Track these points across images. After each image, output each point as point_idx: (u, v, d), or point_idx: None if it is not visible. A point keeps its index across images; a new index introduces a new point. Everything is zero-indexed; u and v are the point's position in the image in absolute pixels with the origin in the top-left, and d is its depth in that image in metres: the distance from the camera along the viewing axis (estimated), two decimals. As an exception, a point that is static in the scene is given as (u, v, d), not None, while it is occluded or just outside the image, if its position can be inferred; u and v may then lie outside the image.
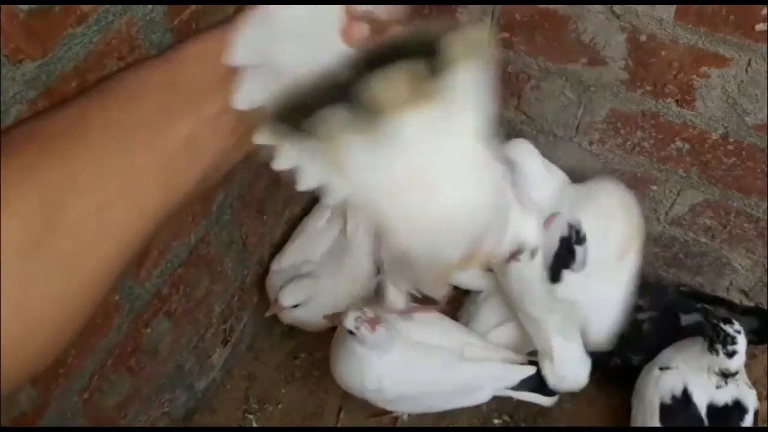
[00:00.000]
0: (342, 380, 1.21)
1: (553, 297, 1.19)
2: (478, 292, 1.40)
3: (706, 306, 1.32)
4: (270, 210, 1.32)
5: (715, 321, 1.14)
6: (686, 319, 1.31)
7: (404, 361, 1.16)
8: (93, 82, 0.44)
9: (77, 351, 0.94)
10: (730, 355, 1.13)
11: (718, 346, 1.13)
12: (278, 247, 1.39)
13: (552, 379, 1.24)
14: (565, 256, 1.17)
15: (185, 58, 0.46)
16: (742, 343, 1.13)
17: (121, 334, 1.03)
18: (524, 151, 1.23)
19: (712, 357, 1.14)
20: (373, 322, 1.11)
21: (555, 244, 1.18)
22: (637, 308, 1.31)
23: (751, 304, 1.38)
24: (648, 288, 1.38)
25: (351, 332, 1.11)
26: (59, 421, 0.96)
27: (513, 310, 1.28)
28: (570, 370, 1.24)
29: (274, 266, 1.35)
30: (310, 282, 1.30)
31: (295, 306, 1.28)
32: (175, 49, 0.46)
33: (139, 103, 0.44)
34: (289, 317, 1.31)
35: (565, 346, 1.22)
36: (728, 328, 1.13)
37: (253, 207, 1.24)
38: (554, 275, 1.18)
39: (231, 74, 0.46)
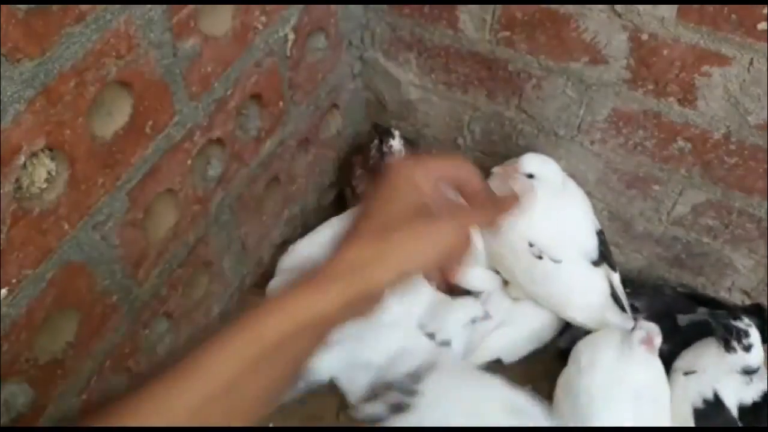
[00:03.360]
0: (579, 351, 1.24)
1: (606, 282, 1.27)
2: (480, 293, 1.40)
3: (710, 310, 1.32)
4: (269, 210, 1.31)
5: (725, 321, 1.17)
6: (683, 320, 1.32)
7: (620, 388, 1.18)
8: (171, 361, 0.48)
9: (75, 352, 0.94)
10: (747, 348, 1.15)
11: (734, 343, 1.15)
12: (278, 248, 1.39)
13: None
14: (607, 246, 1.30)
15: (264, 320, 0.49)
16: (755, 336, 1.15)
17: (120, 335, 1.02)
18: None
19: (732, 356, 1.16)
20: (648, 342, 1.14)
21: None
22: (633, 310, 1.31)
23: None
24: (644, 290, 1.38)
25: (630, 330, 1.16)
26: (57, 422, 0.96)
27: (559, 311, 1.33)
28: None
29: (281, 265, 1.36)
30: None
31: None
32: (255, 313, 0.49)
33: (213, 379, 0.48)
34: None
35: (615, 317, 1.27)
36: (739, 324, 1.16)
37: (251, 207, 1.24)
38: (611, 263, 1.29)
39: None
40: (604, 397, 1.16)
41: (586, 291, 1.27)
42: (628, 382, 1.16)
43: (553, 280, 1.26)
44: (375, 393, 1.17)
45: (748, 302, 1.39)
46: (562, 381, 1.25)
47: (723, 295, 1.40)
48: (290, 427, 1.37)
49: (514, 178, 1.24)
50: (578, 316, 1.30)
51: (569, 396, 1.21)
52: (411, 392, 1.14)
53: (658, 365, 1.20)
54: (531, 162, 1.23)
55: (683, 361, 1.25)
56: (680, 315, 1.32)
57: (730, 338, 1.16)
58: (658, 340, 1.15)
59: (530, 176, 1.22)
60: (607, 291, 1.27)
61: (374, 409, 1.16)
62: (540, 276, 1.27)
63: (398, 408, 1.15)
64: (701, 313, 1.32)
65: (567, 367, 1.24)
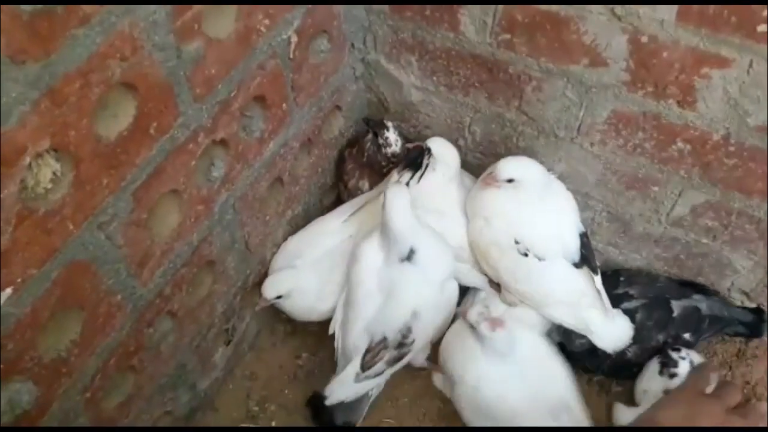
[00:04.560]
0: (446, 363, 1.26)
1: (587, 283, 1.28)
2: (478, 291, 1.40)
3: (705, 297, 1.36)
4: (272, 210, 1.32)
5: (666, 352, 1.31)
6: (677, 306, 1.33)
7: (513, 376, 1.19)
8: None
9: (80, 350, 0.95)
10: (672, 377, 1.28)
11: (664, 369, 1.29)
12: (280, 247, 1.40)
13: (607, 344, 1.31)
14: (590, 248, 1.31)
15: None
16: (684, 368, 1.28)
17: (124, 334, 1.03)
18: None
19: (661, 378, 1.29)
20: (495, 324, 1.14)
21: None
22: (627, 297, 1.33)
23: (753, 305, 1.39)
24: (638, 278, 1.39)
25: (471, 326, 1.16)
26: (61, 420, 0.97)
27: (540, 308, 1.33)
28: (612, 327, 1.30)
29: (274, 264, 1.37)
30: (292, 273, 1.31)
31: (279, 297, 1.30)
32: None
33: None
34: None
35: (594, 314, 1.29)
36: (674, 354, 1.29)
37: (254, 207, 1.25)
38: (593, 267, 1.30)
39: None
40: (499, 401, 1.19)
41: (568, 291, 1.28)
42: (510, 371, 1.19)
43: (536, 278, 1.27)
44: (374, 355, 1.25)
45: (747, 303, 1.39)
46: (459, 398, 1.25)
47: (722, 295, 1.40)
48: (290, 427, 1.38)
49: (495, 187, 1.25)
50: (558, 314, 1.30)
51: (473, 407, 1.23)
52: (405, 345, 1.24)
53: (520, 333, 1.21)
54: (508, 168, 1.24)
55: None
56: (674, 301, 1.34)
57: (666, 364, 1.29)
58: (497, 311, 1.17)
59: (510, 181, 1.24)
60: (589, 292, 1.28)
61: (377, 369, 1.25)
62: (523, 274, 1.28)
63: (396, 359, 1.26)
64: (696, 299, 1.34)
65: (456, 385, 1.24)
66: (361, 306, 1.26)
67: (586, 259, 1.28)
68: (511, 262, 1.28)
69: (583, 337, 1.30)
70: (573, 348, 1.34)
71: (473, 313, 1.16)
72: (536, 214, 1.26)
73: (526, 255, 1.26)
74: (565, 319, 1.30)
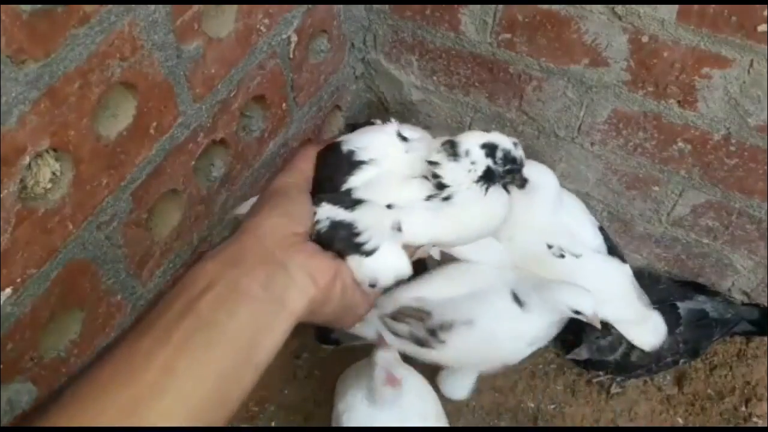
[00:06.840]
0: (339, 396, 1.17)
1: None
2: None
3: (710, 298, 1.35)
4: (272, 210, 1.32)
5: None
6: (684, 307, 1.32)
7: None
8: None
9: (79, 350, 0.95)
10: None
11: None
12: (280, 248, 1.39)
13: (651, 340, 1.28)
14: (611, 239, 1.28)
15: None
16: None
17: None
18: None
19: None
20: (391, 380, 1.07)
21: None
22: None
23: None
24: (641, 280, 1.38)
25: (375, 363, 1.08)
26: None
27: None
28: (659, 322, 1.28)
29: None
30: None
31: None
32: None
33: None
34: None
35: (638, 304, 1.27)
36: None
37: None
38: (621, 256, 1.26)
39: None
40: None
41: (610, 282, 1.24)
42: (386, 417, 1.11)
43: (577, 278, 1.23)
44: (405, 317, 1.15)
45: (747, 303, 1.39)
46: (333, 419, 1.18)
47: (723, 295, 1.40)
48: (290, 427, 1.38)
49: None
50: (613, 311, 1.24)
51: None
52: (436, 337, 1.13)
53: (414, 390, 1.13)
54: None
55: None
56: (680, 303, 1.33)
57: None
58: (399, 374, 1.08)
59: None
60: (626, 281, 1.25)
61: (398, 329, 1.15)
62: (567, 277, 1.20)
63: (418, 341, 1.15)
64: (700, 300, 1.33)
65: (334, 406, 1.18)
66: None
67: (613, 249, 1.25)
68: (551, 269, 1.23)
69: (599, 336, 1.29)
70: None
71: (386, 356, 1.08)
72: (555, 213, 1.23)
73: (563, 257, 1.23)
74: (620, 313, 1.25)
